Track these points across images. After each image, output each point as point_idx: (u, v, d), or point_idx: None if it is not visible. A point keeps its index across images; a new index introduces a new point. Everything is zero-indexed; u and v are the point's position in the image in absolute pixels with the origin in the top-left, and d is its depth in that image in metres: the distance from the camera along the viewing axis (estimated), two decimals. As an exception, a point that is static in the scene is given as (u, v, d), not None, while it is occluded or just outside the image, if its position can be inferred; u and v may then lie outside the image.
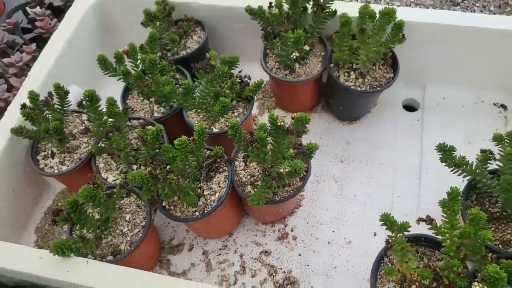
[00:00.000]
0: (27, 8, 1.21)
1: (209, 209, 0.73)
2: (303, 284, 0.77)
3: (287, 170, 0.66)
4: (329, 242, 0.81)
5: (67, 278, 0.65)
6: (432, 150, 0.73)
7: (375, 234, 0.80)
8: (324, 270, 0.78)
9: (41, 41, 1.01)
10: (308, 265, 0.79)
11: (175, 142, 0.69)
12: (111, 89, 0.98)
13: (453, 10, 1.33)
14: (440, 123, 0.93)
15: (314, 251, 0.80)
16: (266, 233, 0.83)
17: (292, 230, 0.83)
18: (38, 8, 1.05)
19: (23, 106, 0.79)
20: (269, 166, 0.72)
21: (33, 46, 0.96)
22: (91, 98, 0.74)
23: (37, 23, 0.98)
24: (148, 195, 0.69)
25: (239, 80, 0.84)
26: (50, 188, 0.93)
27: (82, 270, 0.65)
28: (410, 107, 0.97)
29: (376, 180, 0.87)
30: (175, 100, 0.79)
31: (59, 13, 1.09)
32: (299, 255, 0.80)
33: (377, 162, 0.89)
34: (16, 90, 0.89)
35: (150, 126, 0.80)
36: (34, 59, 0.94)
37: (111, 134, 0.74)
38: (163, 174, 0.68)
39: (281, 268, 0.79)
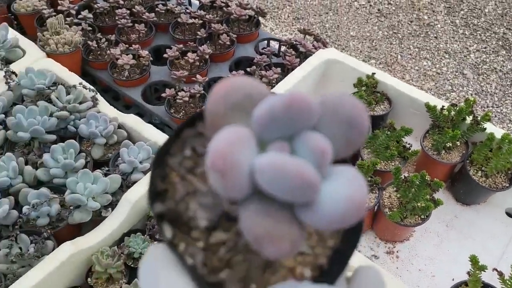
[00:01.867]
0: (270, 41, 1.74)
1: (358, 210, 1.13)
2: (393, 285, 1.14)
3: (422, 205, 1.06)
4: (419, 270, 1.17)
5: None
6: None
7: (453, 279, 1.15)
8: (411, 284, 1.14)
9: (282, 68, 1.51)
10: (400, 277, 1.16)
11: (358, 162, 1.12)
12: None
13: None
14: (528, 234, 1.25)
15: (407, 270, 1.17)
16: (379, 245, 1.22)
17: (397, 251, 1.21)
18: (291, 49, 1.56)
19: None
20: (407, 201, 1.11)
21: (278, 69, 1.46)
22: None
23: (287, 57, 1.48)
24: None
25: (403, 145, 1.25)
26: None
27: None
28: (510, 214, 1.31)
29: (467, 248, 1.21)
30: (362, 139, 1.23)
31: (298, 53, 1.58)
32: (397, 268, 1.17)
33: (472, 238, 1.24)
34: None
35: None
36: (277, 78, 1.44)
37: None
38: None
39: (382, 270, 1.17)
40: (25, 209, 1.07)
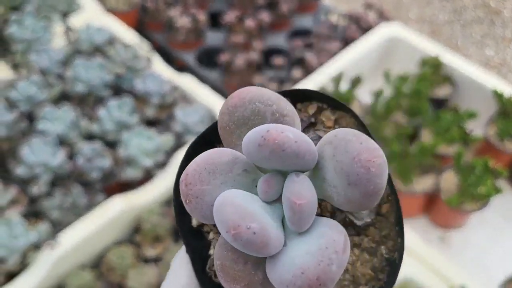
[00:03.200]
0: (329, 15, 1.69)
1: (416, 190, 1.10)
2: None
3: (483, 191, 1.01)
4: (471, 259, 1.12)
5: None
6: None
7: (506, 273, 1.10)
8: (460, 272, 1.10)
9: (342, 40, 1.46)
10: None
11: (417, 143, 1.08)
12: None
13: None
14: None
15: (458, 258, 1.12)
16: (431, 231, 1.17)
17: (449, 238, 1.16)
18: (351, 22, 1.51)
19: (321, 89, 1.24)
20: (466, 186, 1.07)
21: (338, 43, 1.41)
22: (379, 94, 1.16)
23: (347, 30, 1.43)
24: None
25: (465, 130, 1.19)
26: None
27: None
28: None
29: (523, 243, 1.16)
30: (424, 118, 1.18)
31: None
32: (448, 255, 1.13)
33: (531, 233, 1.18)
34: (309, 66, 1.34)
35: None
36: (337, 50, 1.40)
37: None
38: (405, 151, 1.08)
39: (431, 256, 1.13)
40: (79, 161, 1.08)
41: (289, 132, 0.26)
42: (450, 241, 1.16)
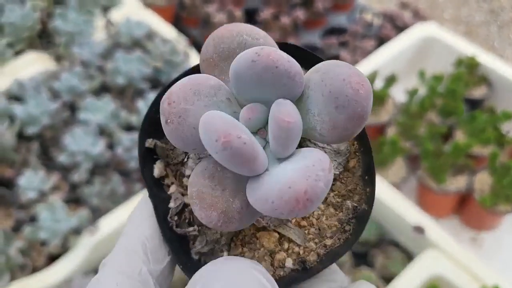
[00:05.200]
0: (364, 13, 1.69)
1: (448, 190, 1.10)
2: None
3: (518, 193, 1.01)
4: (503, 261, 1.12)
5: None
6: None
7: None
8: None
9: (376, 39, 1.47)
10: (482, 266, 1.12)
11: (452, 143, 1.08)
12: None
13: None
14: None
15: (490, 260, 1.12)
16: (463, 231, 1.17)
17: (481, 240, 1.16)
18: (386, 21, 1.51)
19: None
20: (501, 187, 1.06)
21: (372, 42, 1.42)
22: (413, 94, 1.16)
23: (383, 29, 1.43)
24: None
25: (501, 131, 1.18)
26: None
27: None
28: None
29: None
30: (459, 118, 1.18)
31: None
32: (479, 256, 1.13)
33: None
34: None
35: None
36: (372, 49, 1.40)
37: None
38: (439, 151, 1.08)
39: (462, 257, 1.13)
40: (118, 150, 1.12)
41: (282, 52, 0.25)
42: (482, 243, 1.15)
